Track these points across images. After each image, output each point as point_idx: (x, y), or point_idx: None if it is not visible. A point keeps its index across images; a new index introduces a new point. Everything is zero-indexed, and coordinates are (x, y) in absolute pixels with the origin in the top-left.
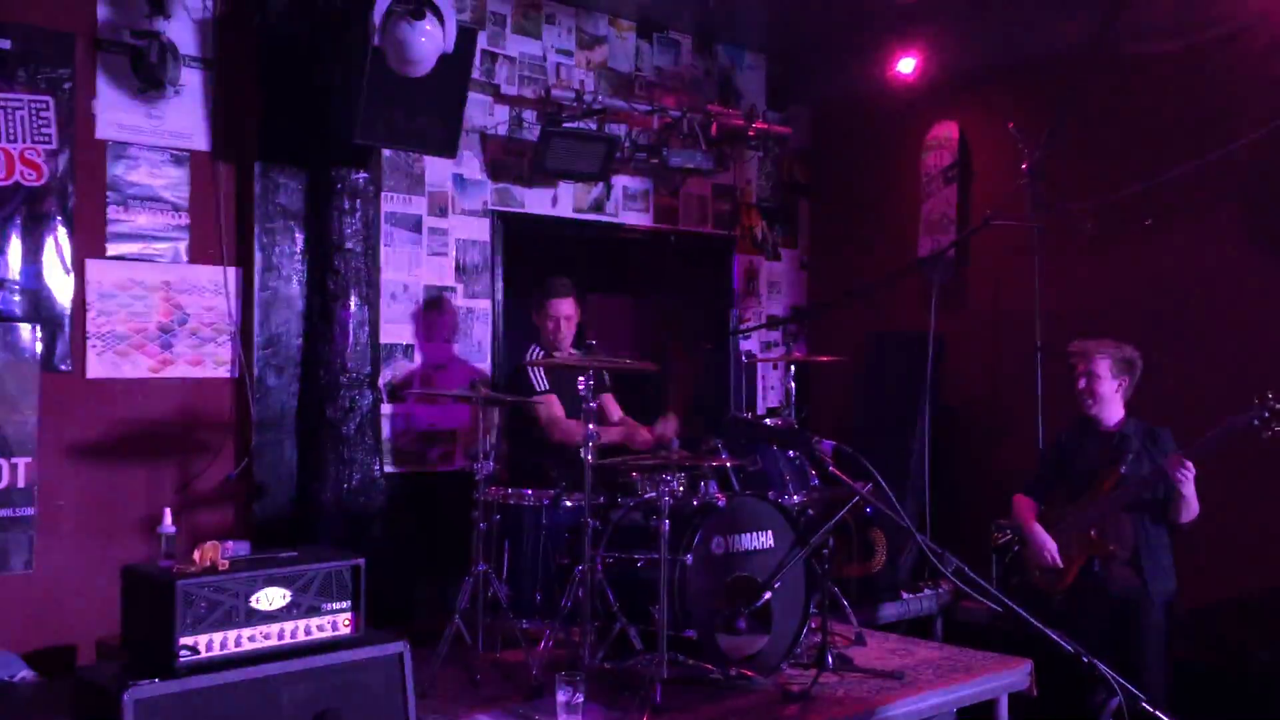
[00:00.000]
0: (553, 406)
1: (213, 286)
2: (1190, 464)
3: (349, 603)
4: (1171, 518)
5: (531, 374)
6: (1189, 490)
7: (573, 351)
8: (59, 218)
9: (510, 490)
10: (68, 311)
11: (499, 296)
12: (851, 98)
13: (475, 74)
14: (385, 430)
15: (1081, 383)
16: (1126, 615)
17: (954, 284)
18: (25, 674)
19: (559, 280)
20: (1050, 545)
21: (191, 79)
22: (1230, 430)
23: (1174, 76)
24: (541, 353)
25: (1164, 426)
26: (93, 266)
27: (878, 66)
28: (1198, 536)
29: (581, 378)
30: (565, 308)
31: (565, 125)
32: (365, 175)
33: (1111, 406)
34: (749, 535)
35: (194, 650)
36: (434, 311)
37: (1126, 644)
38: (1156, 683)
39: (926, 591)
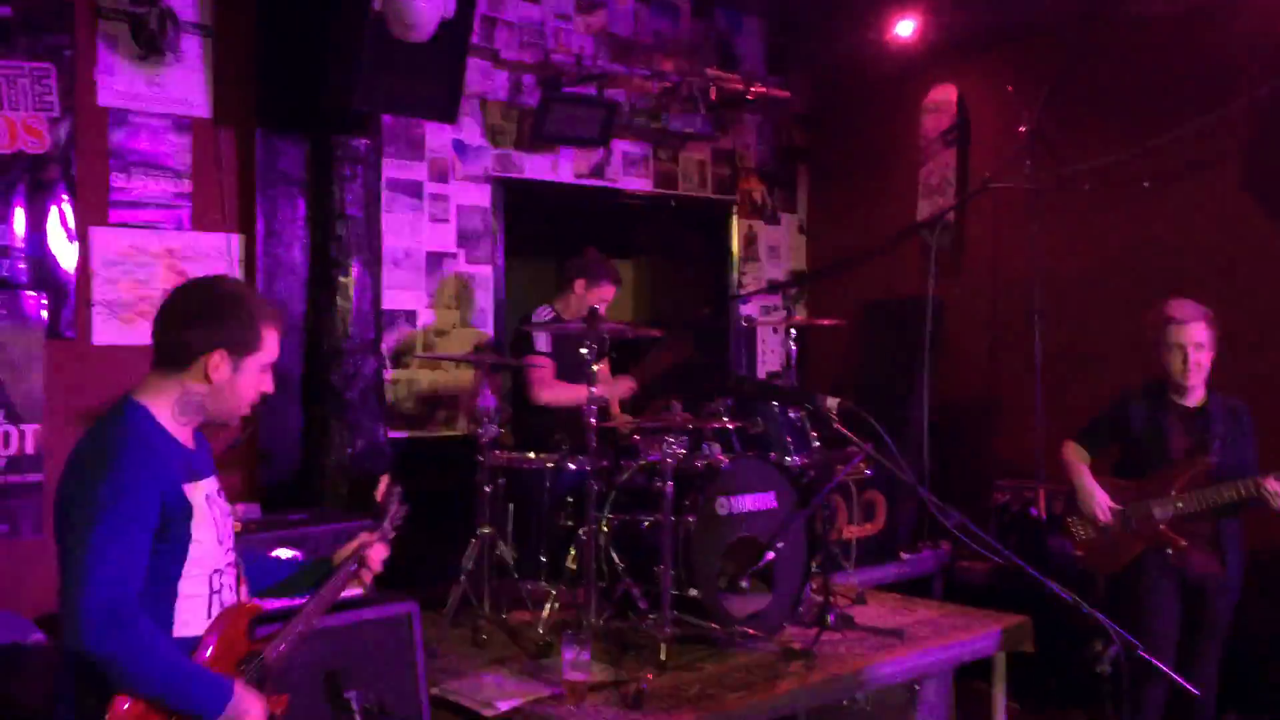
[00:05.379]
0: (544, 369)
1: (216, 253)
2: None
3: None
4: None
5: (534, 336)
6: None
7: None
8: (62, 185)
9: (514, 454)
10: (72, 279)
11: (500, 262)
12: (850, 61)
13: (474, 39)
14: (389, 395)
15: (1193, 353)
16: (1200, 599)
17: (952, 247)
18: (36, 637)
19: (614, 266)
20: (1103, 499)
21: (191, 46)
22: None
23: (1174, 38)
24: (552, 315)
25: (1242, 402)
26: (96, 234)
27: (876, 29)
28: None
29: (585, 348)
30: (611, 294)
31: (565, 90)
32: (366, 141)
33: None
34: (752, 496)
35: None
36: (436, 277)
37: (1195, 626)
38: (1211, 667)
39: (925, 552)
